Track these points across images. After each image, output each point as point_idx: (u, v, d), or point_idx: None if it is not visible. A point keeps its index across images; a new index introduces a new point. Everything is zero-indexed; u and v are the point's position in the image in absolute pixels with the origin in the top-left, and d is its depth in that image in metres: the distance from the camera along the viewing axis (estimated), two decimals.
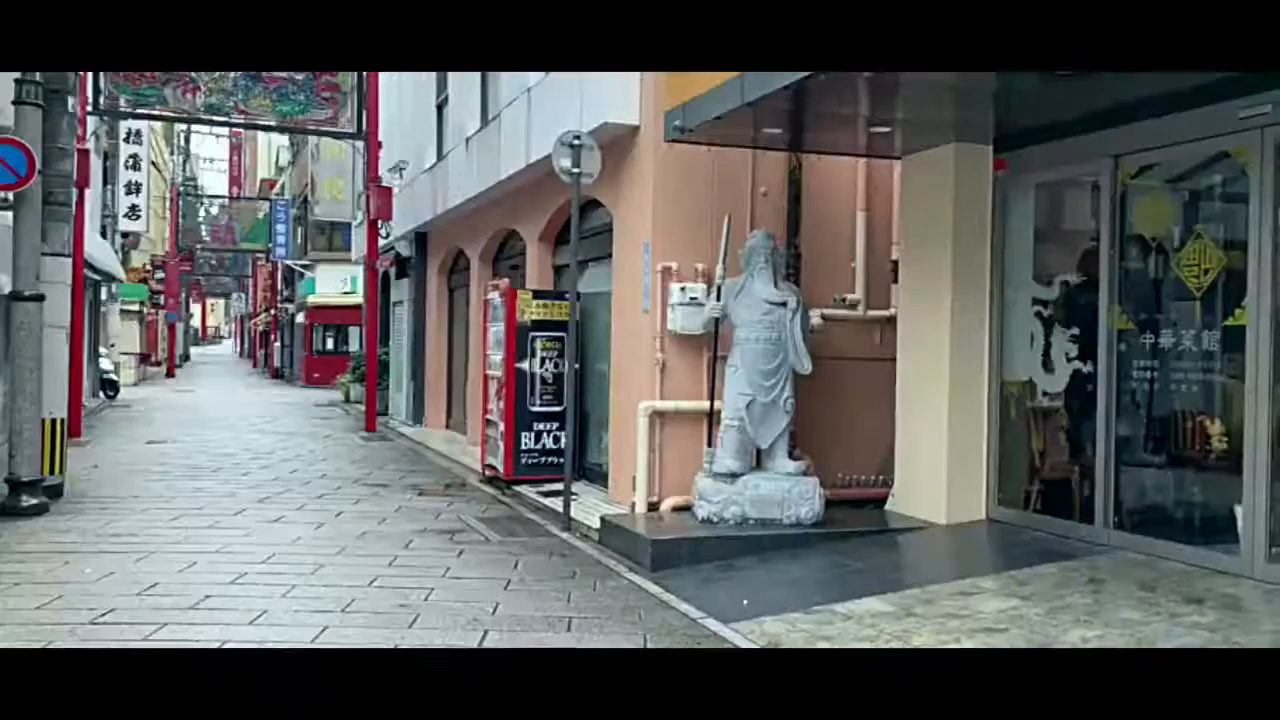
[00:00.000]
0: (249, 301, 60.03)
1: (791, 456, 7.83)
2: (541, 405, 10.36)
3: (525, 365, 10.30)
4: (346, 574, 6.67)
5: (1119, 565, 6.26)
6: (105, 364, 23.76)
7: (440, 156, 15.22)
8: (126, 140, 24.29)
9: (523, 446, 10.29)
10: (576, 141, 8.39)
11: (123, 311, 29.59)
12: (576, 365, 10.34)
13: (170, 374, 39.24)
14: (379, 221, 17.30)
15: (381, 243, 18.12)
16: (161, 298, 39.12)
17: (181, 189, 43.02)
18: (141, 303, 32.82)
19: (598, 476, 9.97)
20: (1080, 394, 7.10)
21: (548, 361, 10.38)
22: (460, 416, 15.88)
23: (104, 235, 24.63)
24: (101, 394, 22.95)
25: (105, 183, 24.59)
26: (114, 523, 8.27)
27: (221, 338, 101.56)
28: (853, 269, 8.90)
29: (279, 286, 41.78)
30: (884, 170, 8.93)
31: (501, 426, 10.37)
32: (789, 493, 7.48)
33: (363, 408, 18.38)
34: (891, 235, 8.91)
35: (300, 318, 34.44)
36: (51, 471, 9.31)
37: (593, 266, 10.01)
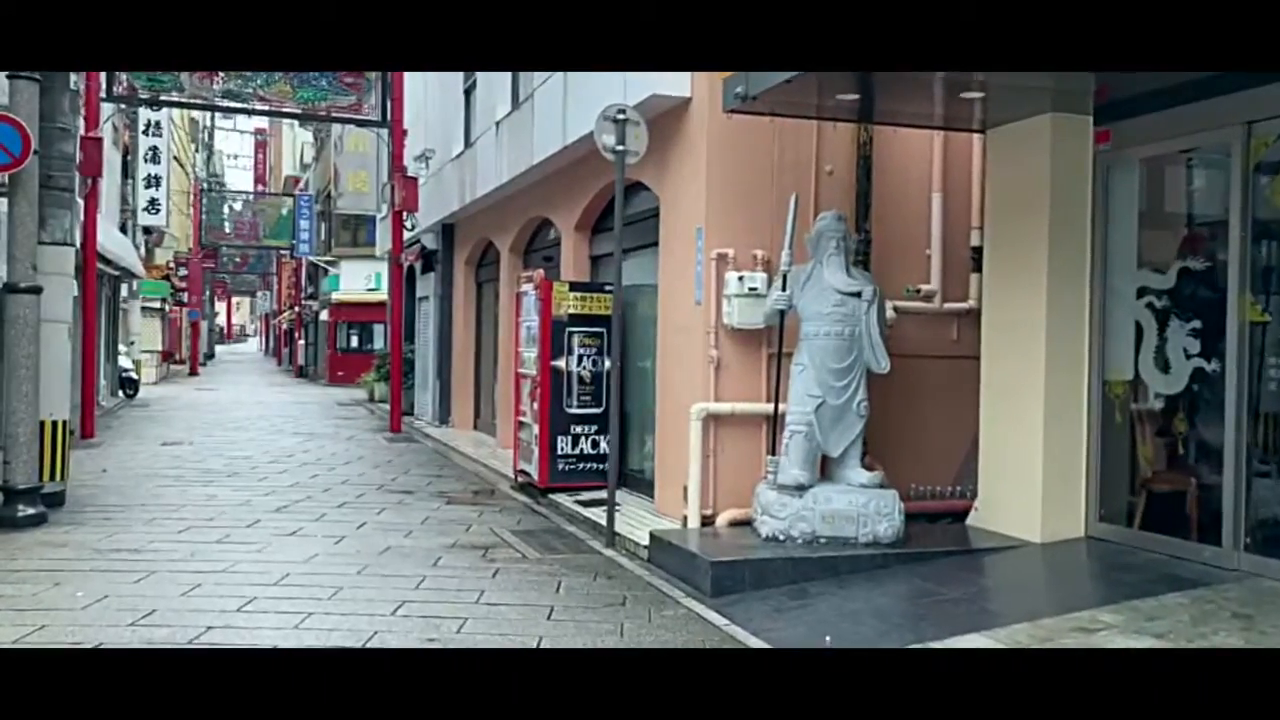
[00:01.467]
0: (273, 299, 59.69)
1: (863, 465, 6.99)
2: (579, 407, 9.55)
3: (561, 363, 9.50)
4: (368, 599, 5.89)
5: (1262, 596, 5.38)
6: (125, 362, 23.20)
7: (468, 144, 14.46)
8: (145, 132, 23.70)
9: (559, 451, 9.49)
10: (621, 116, 7.58)
11: (144, 309, 29.06)
12: (616, 363, 9.56)
13: (193, 372, 38.79)
14: (404, 213, 16.55)
15: (407, 236, 17.39)
16: (184, 295, 38.68)
17: (205, 185, 42.58)
18: (163, 300, 32.30)
19: (640, 484, 9.16)
20: (1202, 395, 6.22)
21: (585, 359, 9.57)
22: (489, 417, 15.13)
23: (124, 231, 24.07)
24: (121, 393, 22.39)
25: (125, 177, 24.05)
26: (116, 535, 7.54)
27: (247, 336, 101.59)
28: (927, 256, 8.03)
29: (303, 283, 41.25)
30: (961, 146, 8.06)
31: (536, 430, 9.58)
32: (865, 508, 6.64)
33: (387, 407, 17.67)
34: (970, 219, 8.04)
35: (324, 315, 33.85)
36: (52, 478, 8.59)
37: (635, 256, 9.18)
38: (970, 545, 6.87)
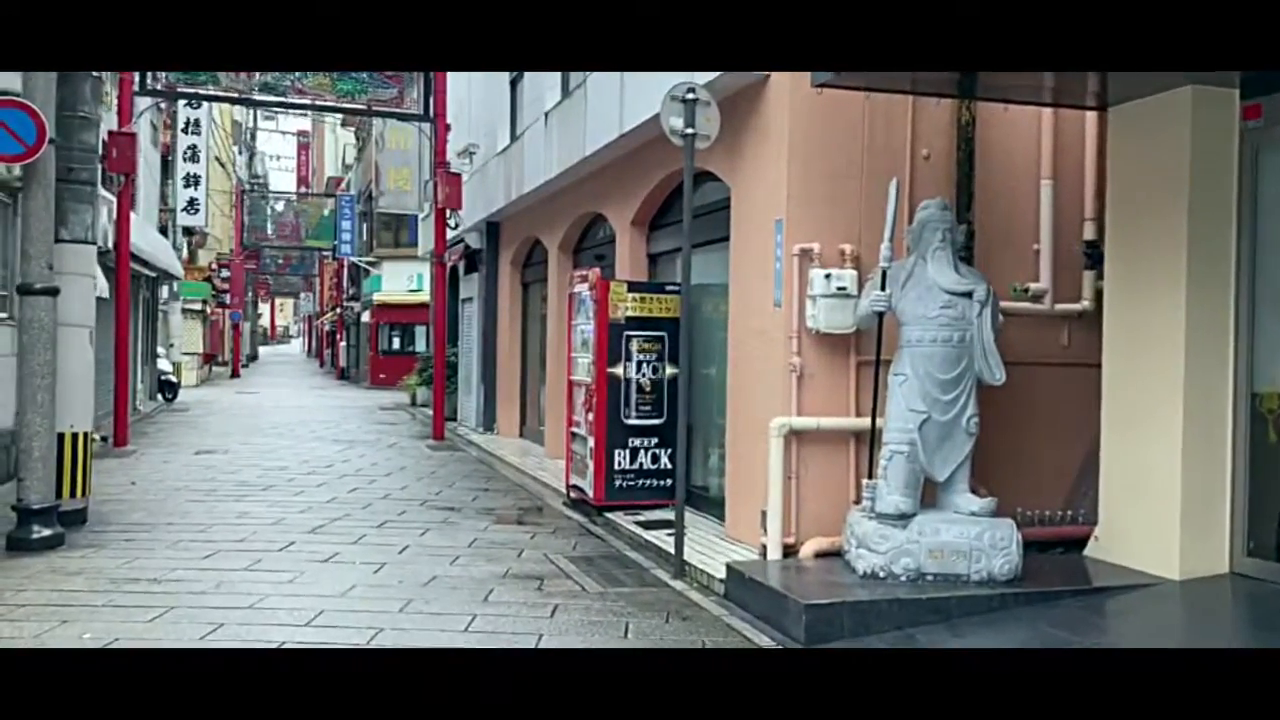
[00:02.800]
0: (315, 300, 59.57)
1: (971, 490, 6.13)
2: (638, 418, 8.75)
3: (619, 370, 8.71)
4: (411, 644, 5.13)
5: None
6: (164, 365, 22.78)
7: (514, 137, 13.73)
8: (185, 131, 23.26)
9: (616, 467, 8.70)
10: (691, 95, 6.76)
11: (185, 310, 28.75)
12: (678, 370, 8.75)
13: (235, 374, 38.58)
14: (447, 211, 15.85)
15: (450, 235, 16.69)
16: (226, 296, 38.45)
17: (246, 186, 42.38)
18: (204, 301, 32.02)
19: (705, 503, 8.34)
20: None
21: (645, 366, 8.78)
22: (535, 424, 14.39)
23: (165, 232, 23.67)
24: (160, 396, 21.97)
25: (165, 177, 23.65)
26: (136, 561, 6.86)
27: (290, 337, 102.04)
28: (1035, 251, 7.14)
29: (345, 285, 40.88)
30: (1073, 128, 7.17)
31: (591, 442, 8.79)
32: (979, 540, 5.77)
33: (429, 412, 16.99)
34: (1084, 210, 7.15)
35: (366, 316, 33.39)
36: (72, 494, 7.96)
37: (700, 253, 8.31)
38: (1096, 582, 5.97)
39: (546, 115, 11.62)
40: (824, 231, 6.68)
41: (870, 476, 6.12)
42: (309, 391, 29.40)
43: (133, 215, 15.78)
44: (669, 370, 8.76)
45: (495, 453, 13.38)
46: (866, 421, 6.56)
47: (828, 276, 6.48)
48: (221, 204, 36.02)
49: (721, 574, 6.33)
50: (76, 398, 8.00)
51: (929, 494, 6.16)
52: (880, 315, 6.12)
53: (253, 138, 50.44)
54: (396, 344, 31.03)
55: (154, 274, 19.25)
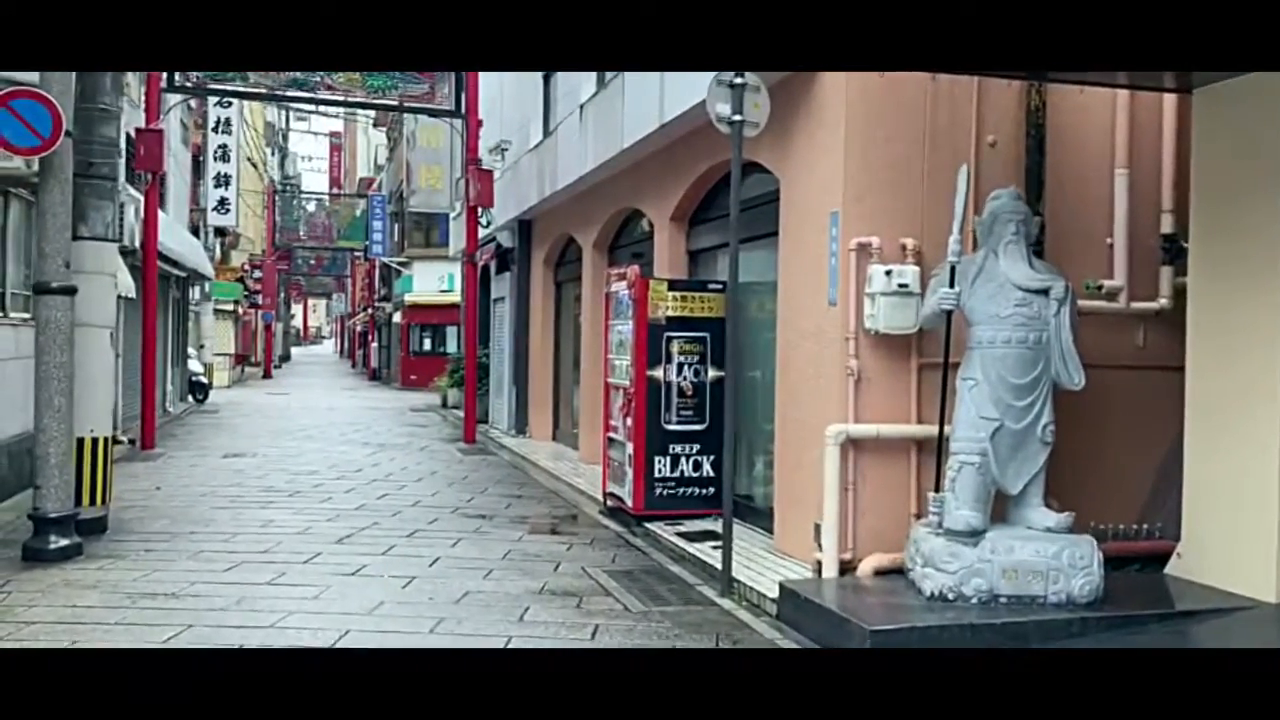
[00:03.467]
0: (348, 301, 59.64)
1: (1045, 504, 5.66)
2: (679, 423, 8.33)
3: (659, 373, 8.29)
4: None
5: None
6: (194, 366, 22.65)
7: (547, 132, 13.35)
8: (215, 130, 23.10)
9: (656, 474, 8.28)
10: (739, 80, 6.33)
11: (217, 311, 28.66)
12: (721, 373, 8.33)
13: (268, 375, 38.55)
14: (479, 209, 15.51)
15: (481, 233, 16.35)
16: (258, 297, 38.45)
17: (278, 187, 42.39)
18: (236, 302, 31.95)
19: (751, 514, 7.90)
20: None
21: (686, 368, 8.35)
22: (568, 428, 14.01)
23: (196, 233, 23.54)
24: (191, 397, 21.82)
25: (197, 177, 23.50)
26: (155, 574, 6.54)
27: (323, 338, 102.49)
28: (1109, 246, 6.63)
29: (376, 285, 40.77)
30: (1150, 113, 6.67)
31: (629, 449, 8.38)
32: (1057, 559, 5.30)
33: (460, 413, 16.68)
34: (1161, 201, 6.64)
35: (397, 317, 33.20)
36: (92, 502, 7.66)
37: (746, 249, 7.88)
38: (1182, 605, 5.49)
39: (581, 108, 11.23)
40: (883, 224, 6.22)
41: (936, 489, 5.65)
42: (340, 393, 29.23)
43: (162, 214, 15.57)
44: (711, 373, 8.33)
45: (528, 457, 13.01)
46: (929, 429, 6.12)
47: (888, 273, 6.02)
48: (254, 205, 36.01)
49: (772, 592, 5.90)
50: (96, 401, 7.71)
51: (998, 508, 5.69)
52: (949, 314, 5.65)
53: (285, 139, 50.54)
54: (427, 345, 30.80)
55: (184, 274, 19.07)
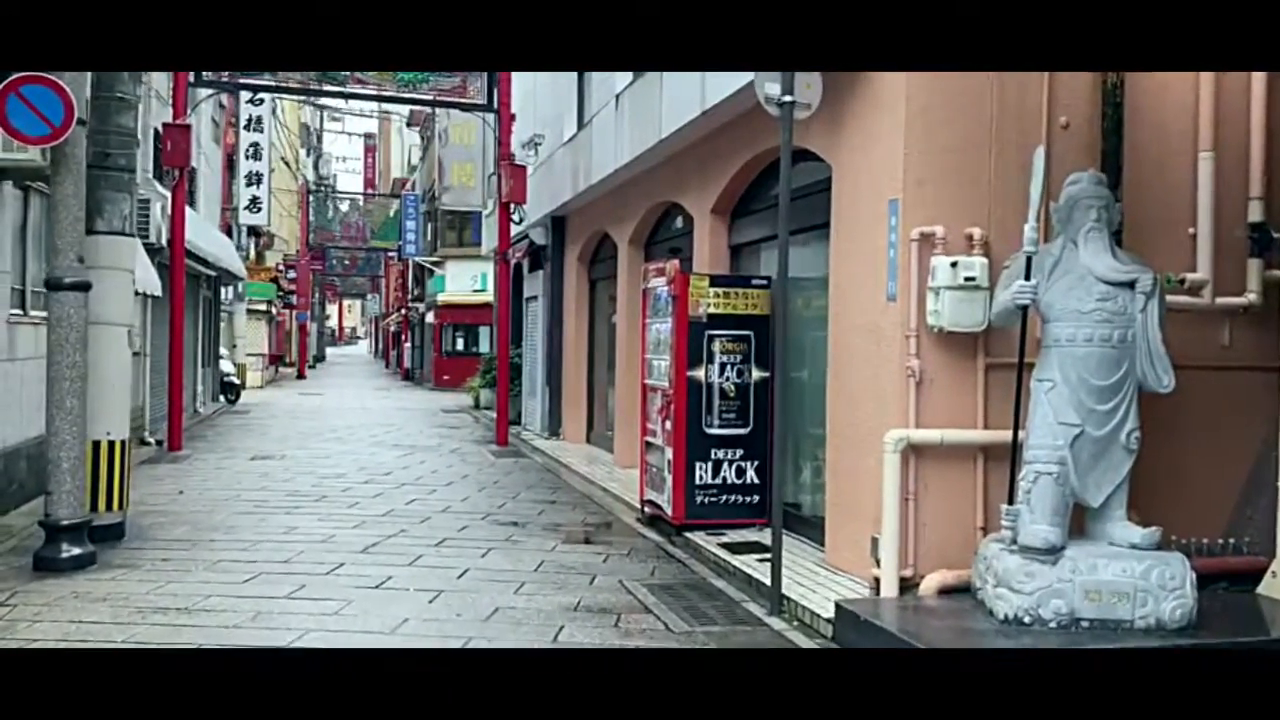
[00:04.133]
0: (382, 302, 59.68)
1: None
2: (721, 427, 7.88)
3: (700, 374, 7.84)
4: None
5: None
6: (226, 366, 22.49)
7: (581, 125, 12.95)
8: (247, 128, 22.93)
9: (697, 481, 7.83)
10: None
11: (250, 311, 28.57)
12: (766, 374, 7.89)
13: (301, 375, 38.49)
14: (511, 205, 15.14)
15: (514, 231, 15.98)
16: (293, 297, 38.42)
17: (312, 187, 42.37)
18: (269, 302, 31.86)
19: (798, 523, 7.43)
20: None
21: (729, 369, 7.90)
22: (603, 430, 13.59)
23: (230, 233, 23.40)
24: (222, 398, 21.66)
25: (230, 177, 23.34)
26: (169, 585, 6.19)
27: (358, 338, 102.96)
28: (1191, 236, 6.10)
29: (409, 285, 40.63)
30: (1237, 93, 6.13)
31: (668, 454, 7.94)
32: (1145, 579, 4.80)
33: (493, 414, 16.33)
34: (1249, 187, 6.11)
35: (430, 317, 32.99)
36: (108, 507, 7.35)
37: (793, 242, 7.42)
38: None
39: (617, 98, 10.80)
40: (946, 213, 5.74)
41: (1010, 500, 5.16)
42: (372, 393, 29.02)
43: (191, 212, 15.36)
44: (755, 374, 7.88)
45: (561, 460, 12.61)
46: (996, 435, 5.63)
47: (954, 265, 5.53)
48: (289, 205, 35.96)
49: (826, 611, 5.44)
50: (113, 402, 7.39)
51: (1075, 521, 5.19)
52: (1025, 310, 5.16)
53: (319, 139, 50.60)
54: (460, 345, 30.53)
55: (214, 273, 18.87)
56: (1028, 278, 5.06)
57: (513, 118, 15.21)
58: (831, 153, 6.65)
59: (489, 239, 18.58)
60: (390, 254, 44.01)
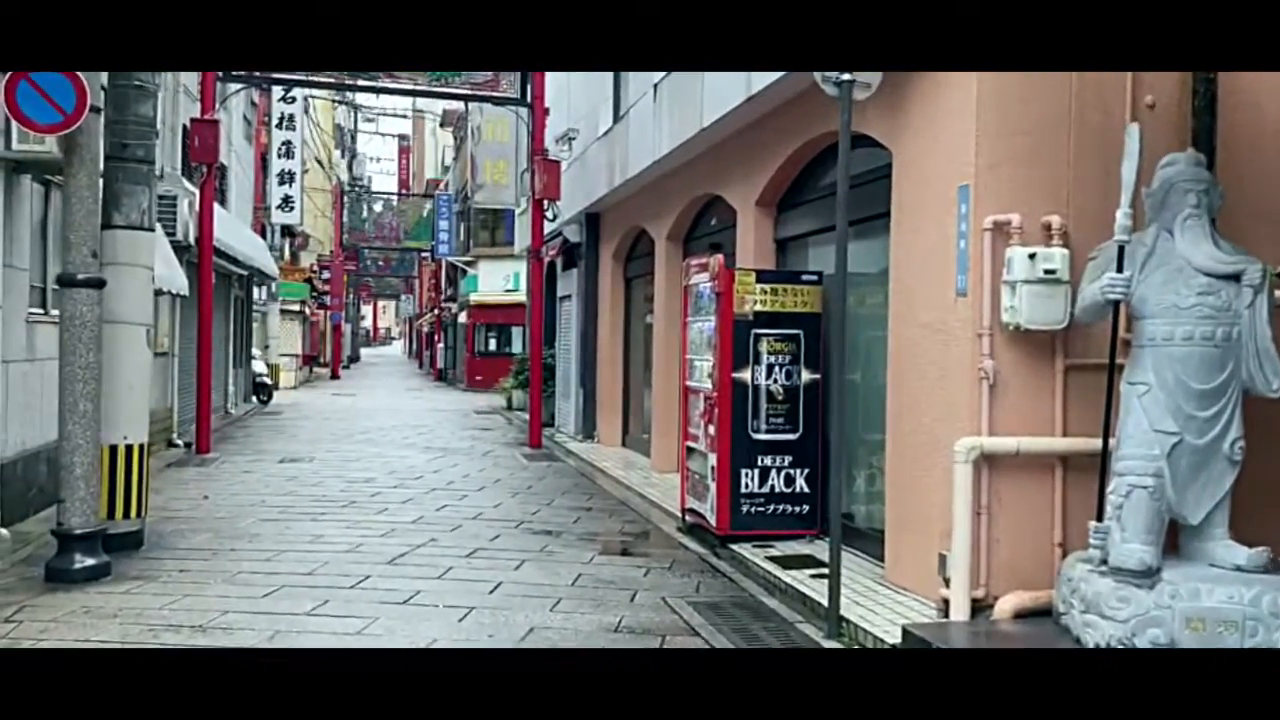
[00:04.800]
0: (415, 302, 59.67)
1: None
2: (768, 432, 7.42)
3: (745, 375, 7.39)
4: None
5: None
6: (258, 367, 22.31)
7: (617, 118, 12.52)
8: (279, 126, 22.73)
9: (743, 490, 7.37)
10: None
11: (283, 311, 28.44)
12: (816, 376, 7.42)
13: (335, 376, 38.42)
14: (545, 202, 14.76)
15: (548, 228, 15.60)
16: (326, 298, 38.35)
17: (346, 188, 42.31)
18: (303, 302, 31.75)
19: (851, 536, 6.90)
20: None
21: (777, 370, 7.43)
22: (639, 433, 13.17)
23: (264, 234, 23.23)
24: (255, 398, 21.47)
25: (263, 176, 23.16)
26: (185, 599, 5.83)
27: (392, 339, 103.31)
28: None
29: (442, 285, 40.44)
30: None
31: (712, 460, 7.49)
32: (1255, 605, 4.28)
33: (525, 416, 15.97)
34: None
35: (463, 317, 32.73)
36: (126, 515, 7.03)
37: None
38: None
39: (656, 87, 10.36)
40: (1022, 199, 5.25)
41: (1098, 516, 4.66)
42: (405, 394, 28.79)
43: (221, 210, 15.13)
44: (805, 375, 7.42)
45: (596, 464, 12.19)
46: (1076, 443, 5.16)
47: (1032, 257, 5.04)
48: (323, 205, 35.88)
49: (891, 635, 4.97)
50: (131, 405, 7.07)
51: (1177, 540, 4.69)
52: (1116, 305, 4.66)
53: (354, 140, 50.59)
54: (493, 345, 30.23)
55: (245, 272, 18.65)
56: (1120, 269, 4.56)
57: (546, 112, 14.84)
58: (892, 137, 6.17)
59: (522, 237, 18.22)
60: (423, 254, 43.87)
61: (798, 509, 7.40)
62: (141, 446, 7.14)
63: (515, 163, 19.55)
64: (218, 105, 13.02)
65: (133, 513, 7.07)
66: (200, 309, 12.78)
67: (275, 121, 22.69)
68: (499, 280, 28.74)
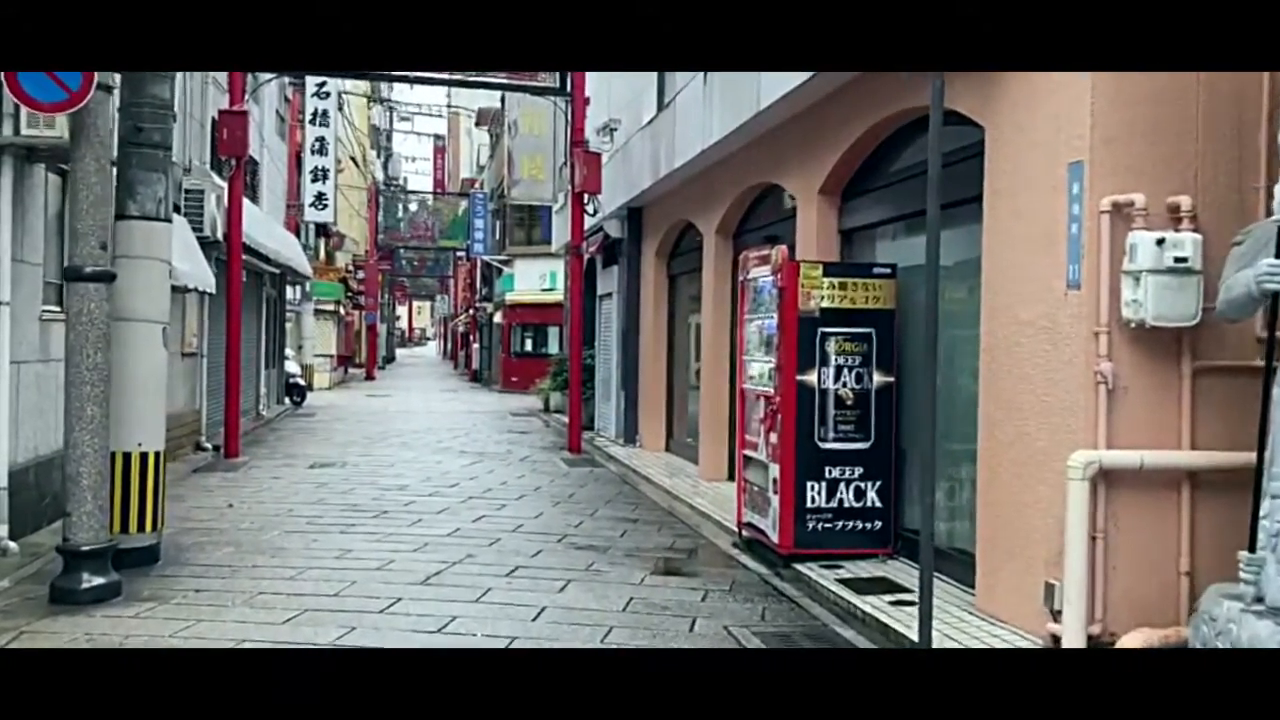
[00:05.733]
0: (450, 302, 59.45)
1: None
2: (837, 440, 6.77)
3: (812, 378, 6.74)
4: None
5: None
6: (292, 367, 21.94)
7: (662, 106, 11.90)
8: (312, 122, 22.34)
9: (808, 503, 6.73)
10: None
11: (318, 312, 28.12)
12: (890, 379, 6.76)
13: (370, 376, 38.11)
14: (584, 197, 14.19)
15: (588, 223, 15.03)
16: (361, 298, 38.07)
17: (381, 187, 42.04)
18: (338, 302, 31.44)
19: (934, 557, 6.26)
20: None
21: (846, 372, 6.78)
22: (684, 438, 12.54)
23: (298, 233, 22.86)
24: (288, 399, 21.09)
25: (297, 174, 22.78)
26: (197, 626, 5.29)
27: (427, 339, 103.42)
28: None
29: (477, 285, 40.05)
30: None
31: (774, 471, 6.85)
32: None
33: (563, 418, 15.41)
34: None
35: (498, 317, 32.28)
36: (140, 528, 6.51)
37: (918, 222, 6.28)
38: None
39: (705, 72, 9.73)
40: (1145, 178, 4.57)
41: (1251, 547, 3.96)
42: (440, 395, 28.37)
43: (252, 207, 14.70)
44: (877, 378, 6.76)
45: (640, 470, 11.58)
46: (1207, 457, 4.50)
47: (1159, 243, 4.37)
48: (357, 204, 35.58)
49: None
50: (145, 409, 6.55)
51: None
52: (1274, 298, 3.97)
53: (389, 139, 50.39)
54: (529, 345, 29.71)
55: (277, 270, 18.23)
56: (1279, 255, 3.87)
57: (586, 101, 14.25)
58: (984, 111, 5.49)
59: (559, 235, 17.68)
60: (459, 254, 43.56)
61: (868, 525, 6.74)
62: (157, 454, 6.62)
63: (552, 158, 18.99)
64: (247, 96, 12.56)
65: (147, 526, 6.55)
66: (229, 307, 12.33)
67: (309, 117, 22.29)
68: (535, 279, 28.25)
